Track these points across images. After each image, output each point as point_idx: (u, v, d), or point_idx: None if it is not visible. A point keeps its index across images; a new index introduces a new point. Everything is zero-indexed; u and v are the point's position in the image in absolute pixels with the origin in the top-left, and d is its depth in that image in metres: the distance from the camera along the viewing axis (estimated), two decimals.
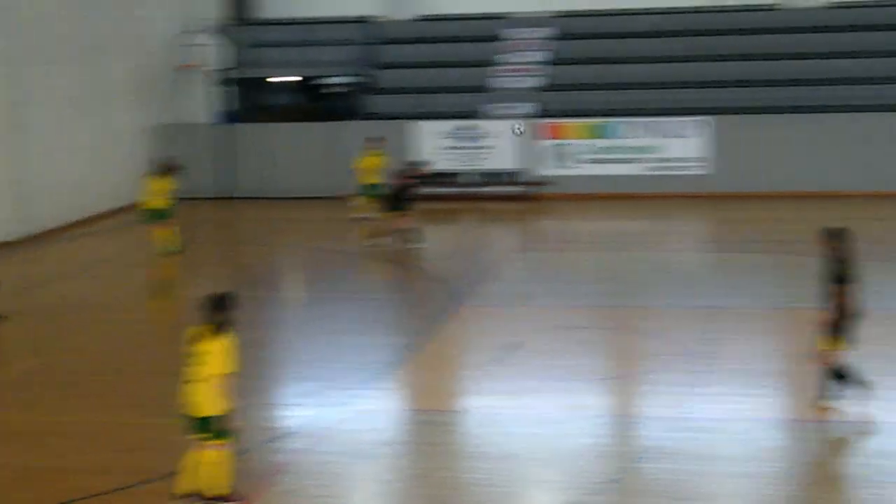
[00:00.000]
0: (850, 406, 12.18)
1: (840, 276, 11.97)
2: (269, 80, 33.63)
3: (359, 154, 25.90)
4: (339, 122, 30.71)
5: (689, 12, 31.62)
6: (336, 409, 12.96)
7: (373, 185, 25.01)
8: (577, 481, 10.77)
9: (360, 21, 33.51)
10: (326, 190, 29.96)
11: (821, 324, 12.13)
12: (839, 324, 12.03)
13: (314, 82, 33.69)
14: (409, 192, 22.95)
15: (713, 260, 22.48)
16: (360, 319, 17.38)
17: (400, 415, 13.21)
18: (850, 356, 12.23)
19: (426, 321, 17.07)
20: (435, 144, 29.60)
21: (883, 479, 10.63)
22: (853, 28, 30.34)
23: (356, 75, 32.40)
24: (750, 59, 30.25)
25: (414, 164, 24.35)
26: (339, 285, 20.21)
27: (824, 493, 10.61)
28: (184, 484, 10.08)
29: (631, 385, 13.87)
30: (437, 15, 33.54)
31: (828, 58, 29.76)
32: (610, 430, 12.35)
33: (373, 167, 25.23)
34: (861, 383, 12.29)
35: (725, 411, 12.57)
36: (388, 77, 32.06)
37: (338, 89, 33.28)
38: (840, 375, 12.22)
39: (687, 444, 11.62)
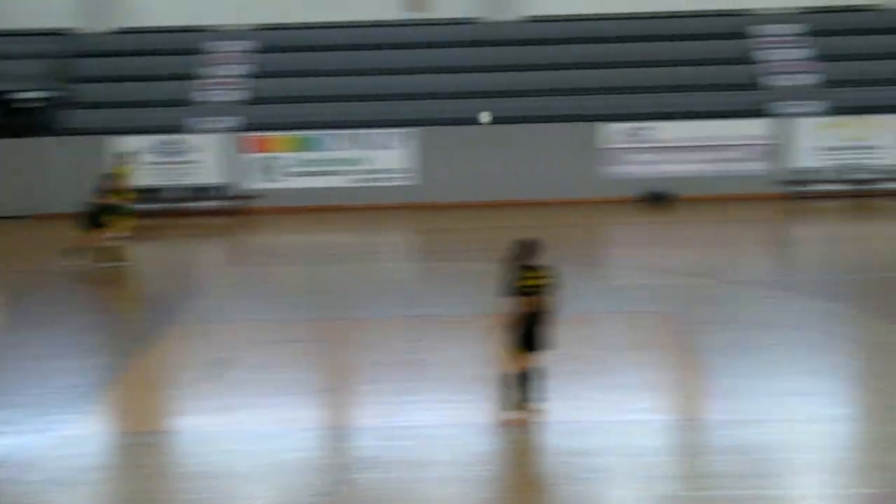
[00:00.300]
0: (551, 407, 12.60)
1: (526, 285, 12.32)
2: None
3: (110, 169, 24.99)
4: (35, 139, 29.63)
5: (392, 25, 32.09)
6: (41, 435, 12.49)
7: (117, 202, 24.29)
8: (292, 496, 10.75)
9: (55, 34, 32.42)
10: (23, 209, 28.84)
11: (506, 330, 12.46)
12: (526, 330, 12.39)
13: (6, 97, 32.34)
14: (108, 209, 22.37)
15: (422, 269, 22.89)
16: (63, 342, 16.80)
17: (109, 438, 12.85)
18: (539, 361, 12.59)
19: (134, 341, 16.67)
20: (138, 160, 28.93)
21: (583, 476, 11.07)
22: (550, 41, 31.49)
23: (52, 90, 31.32)
24: (453, 72, 30.95)
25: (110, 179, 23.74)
26: (41, 308, 19.48)
27: (531, 493, 10.97)
28: None
29: (344, 396, 13.95)
30: (137, 27, 32.80)
31: (525, 70, 30.80)
32: (324, 443, 12.39)
33: (121, 183, 24.48)
34: (539, 389, 12.52)
35: (437, 418, 12.81)
36: (87, 91, 31.15)
37: (33, 104, 32.06)
38: (523, 380, 12.51)
39: (400, 452, 11.78)
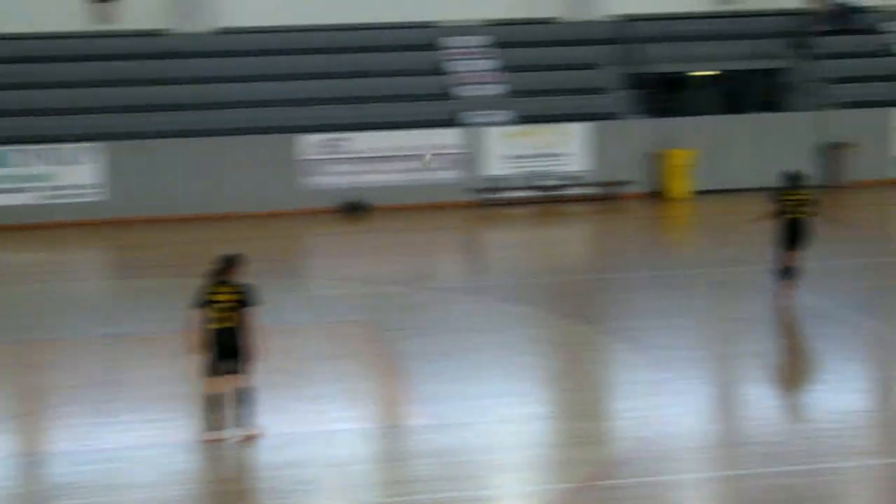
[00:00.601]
0: (256, 422, 12.49)
1: (217, 300, 12.14)
2: None
3: None
4: None
5: (79, 37, 31.10)
6: None
7: None
8: None
9: None
10: None
11: (201, 347, 12.26)
12: (221, 348, 12.21)
13: None
14: None
15: (115, 286, 22.28)
16: None
17: None
18: (240, 381, 12.30)
19: None
20: None
21: (289, 488, 11.05)
22: (244, 53, 31.24)
23: None
24: (143, 84, 30.28)
25: None
26: None
27: None
28: None
29: (36, 422, 13.42)
30: None
31: (218, 82, 30.46)
32: (15, 472, 11.87)
33: None
34: (243, 410, 12.28)
35: (136, 438, 12.49)
36: None
37: None
38: (224, 399, 12.29)
39: (98, 476, 11.43)
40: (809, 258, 18.16)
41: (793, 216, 17.90)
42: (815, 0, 32.85)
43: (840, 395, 13.74)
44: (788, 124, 30.66)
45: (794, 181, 18.15)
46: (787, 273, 17.95)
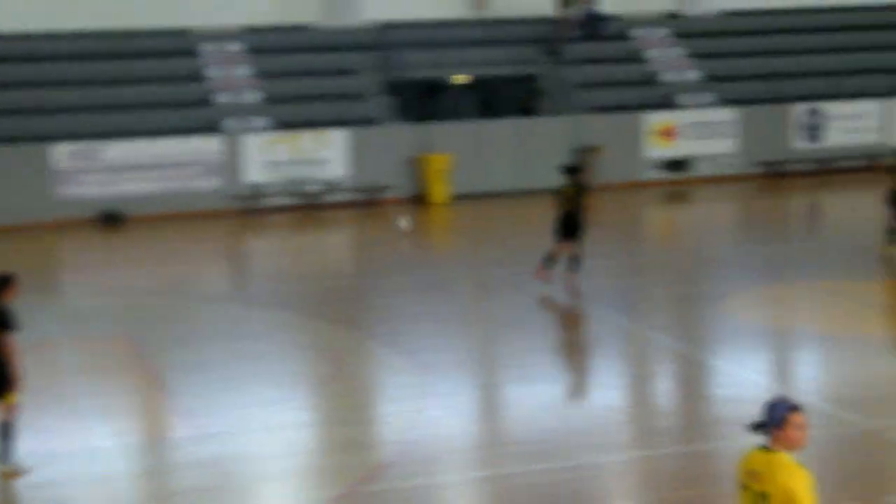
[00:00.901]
0: (15, 459, 12.06)
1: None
2: None
3: None
4: None
5: None
6: None
7: None
8: None
9: None
10: None
11: None
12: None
13: None
14: None
15: None
16: None
17: None
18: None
19: None
20: None
21: None
22: None
23: None
24: None
25: None
26: None
27: None
28: None
29: None
30: None
31: None
32: None
33: None
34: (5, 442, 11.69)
35: None
36: None
37: None
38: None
39: None
40: (578, 251, 18.92)
41: (569, 208, 18.85)
42: (565, 8, 33.85)
43: (597, 391, 14.22)
44: (542, 129, 31.47)
45: (571, 174, 19.16)
46: (568, 263, 18.86)
